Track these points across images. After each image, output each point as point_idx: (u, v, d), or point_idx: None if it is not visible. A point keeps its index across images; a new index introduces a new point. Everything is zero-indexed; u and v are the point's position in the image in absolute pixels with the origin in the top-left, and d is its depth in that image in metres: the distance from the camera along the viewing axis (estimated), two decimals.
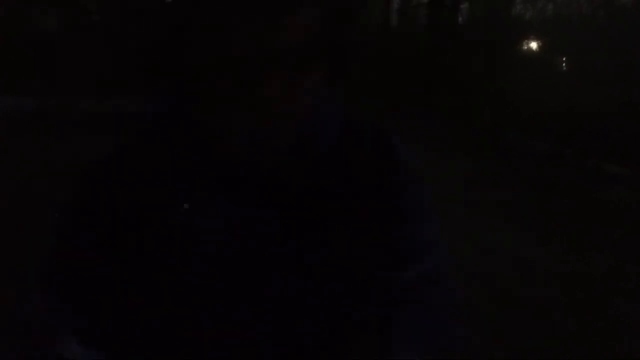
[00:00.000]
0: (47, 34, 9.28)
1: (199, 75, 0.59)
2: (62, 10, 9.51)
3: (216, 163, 0.63)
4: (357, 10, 0.64)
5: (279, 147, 0.62)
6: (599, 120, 8.90)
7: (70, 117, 6.74)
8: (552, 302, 3.01)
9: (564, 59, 14.76)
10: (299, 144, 0.64)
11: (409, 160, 0.74)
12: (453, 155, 7.05)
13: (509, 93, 12.07)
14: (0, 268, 2.71)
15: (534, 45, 14.84)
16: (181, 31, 0.60)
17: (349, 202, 0.67)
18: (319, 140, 0.67)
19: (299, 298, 0.64)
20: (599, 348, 2.55)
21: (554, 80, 13.29)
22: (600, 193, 5.60)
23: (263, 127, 0.60)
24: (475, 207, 4.83)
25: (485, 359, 2.37)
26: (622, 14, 12.91)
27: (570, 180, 6.11)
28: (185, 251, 0.62)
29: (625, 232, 4.26)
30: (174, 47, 0.61)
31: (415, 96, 11.57)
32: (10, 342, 0.63)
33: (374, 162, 0.70)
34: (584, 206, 5.08)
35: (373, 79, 12.29)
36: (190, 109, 0.63)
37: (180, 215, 0.61)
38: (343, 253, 0.65)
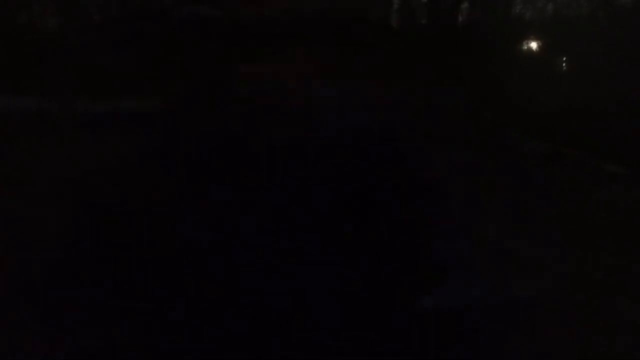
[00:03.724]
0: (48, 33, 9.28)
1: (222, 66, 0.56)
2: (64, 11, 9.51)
3: (229, 159, 0.62)
4: None
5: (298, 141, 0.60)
6: (598, 120, 8.90)
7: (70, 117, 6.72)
8: (552, 302, 3.00)
9: (564, 59, 14.75)
10: (317, 144, 0.61)
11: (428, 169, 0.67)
12: (453, 155, 7.04)
13: (508, 93, 12.07)
14: (1, 266, 2.71)
15: (534, 45, 14.83)
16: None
17: (356, 208, 0.64)
18: (336, 139, 0.64)
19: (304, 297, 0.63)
20: (600, 348, 2.55)
21: (554, 80, 13.29)
22: (600, 193, 5.59)
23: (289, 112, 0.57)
24: (475, 206, 4.82)
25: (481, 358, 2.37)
26: (622, 14, 12.90)
27: (570, 180, 6.10)
28: (197, 241, 0.62)
29: (625, 232, 4.25)
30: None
31: (415, 96, 11.56)
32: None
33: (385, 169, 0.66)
34: (584, 206, 5.07)
35: (372, 79, 12.27)
36: (205, 106, 0.61)
37: (192, 208, 0.61)
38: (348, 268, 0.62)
